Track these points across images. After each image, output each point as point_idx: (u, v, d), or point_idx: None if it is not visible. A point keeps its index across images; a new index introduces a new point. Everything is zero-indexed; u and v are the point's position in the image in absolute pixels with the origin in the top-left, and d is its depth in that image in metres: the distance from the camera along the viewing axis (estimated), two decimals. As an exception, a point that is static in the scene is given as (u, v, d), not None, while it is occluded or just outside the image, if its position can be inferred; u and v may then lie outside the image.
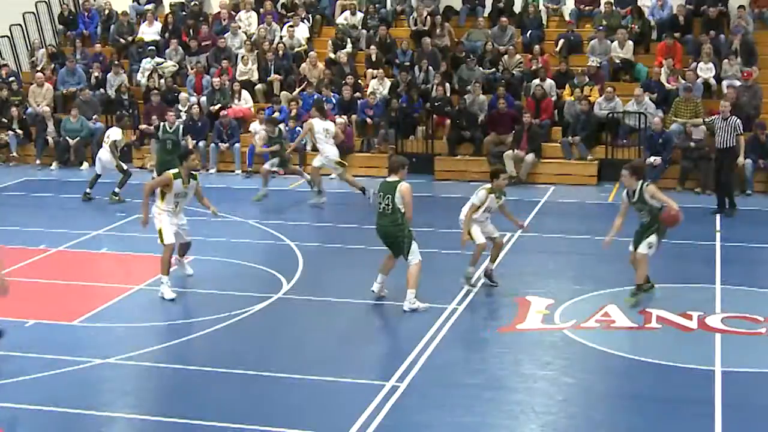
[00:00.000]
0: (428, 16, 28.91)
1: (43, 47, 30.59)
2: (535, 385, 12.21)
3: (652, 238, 14.98)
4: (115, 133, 22.36)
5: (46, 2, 31.89)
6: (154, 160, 23.51)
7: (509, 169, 24.27)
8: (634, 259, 15.34)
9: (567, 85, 26.21)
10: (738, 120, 21.03)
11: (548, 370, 12.69)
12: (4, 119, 27.77)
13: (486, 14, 29.41)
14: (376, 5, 29.91)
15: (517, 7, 29.46)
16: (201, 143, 25.78)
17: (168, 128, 22.99)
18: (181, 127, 23.53)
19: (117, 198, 22.02)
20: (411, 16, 29.40)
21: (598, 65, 26.70)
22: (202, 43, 29.38)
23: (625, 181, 15.17)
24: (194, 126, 26.18)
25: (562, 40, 28.09)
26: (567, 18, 29.37)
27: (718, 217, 20.82)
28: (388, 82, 27.03)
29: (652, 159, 23.34)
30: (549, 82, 26.18)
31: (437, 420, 11.18)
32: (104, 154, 22.22)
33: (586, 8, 29.21)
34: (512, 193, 23.24)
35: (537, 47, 27.45)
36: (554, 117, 25.86)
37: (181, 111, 26.73)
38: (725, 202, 21.11)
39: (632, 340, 13.84)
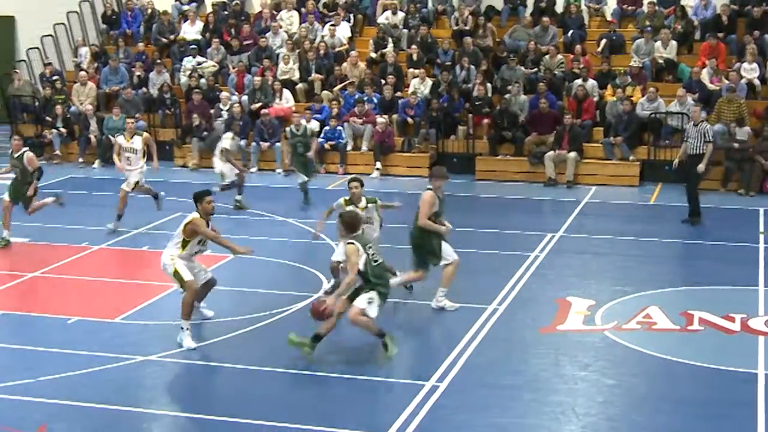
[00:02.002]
0: (470, 16, 28.86)
1: (86, 46, 30.79)
2: (576, 387, 12.17)
3: None
4: (225, 141, 21.70)
5: (89, 2, 32.11)
6: (287, 158, 23.06)
7: (549, 170, 24.21)
8: None
9: (609, 86, 26.07)
10: (708, 126, 20.63)
11: (589, 371, 12.65)
12: (48, 117, 27.98)
13: (528, 14, 29.31)
14: (418, 5, 29.88)
15: (559, 7, 29.33)
16: (242, 142, 25.86)
17: (296, 131, 22.31)
18: (308, 128, 22.75)
19: (239, 205, 21.32)
20: (452, 16, 29.35)
21: (641, 65, 26.55)
22: (244, 43, 29.47)
23: None
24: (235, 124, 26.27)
25: (604, 40, 27.94)
26: (609, 18, 29.22)
27: (762, 218, 20.66)
28: (429, 82, 27.00)
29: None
30: (591, 82, 26.06)
31: (476, 420, 11.17)
32: (217, 164, 21.60)
33: (629, 8, 29.04)
34: (553, 193, 23.33)
35: (579, 47, 27.33)
36: (596, 117, 25.73)
37: (222, 110, 26.85)
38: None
39: (674, 342, 13.74)
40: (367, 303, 12.81)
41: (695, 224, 20.05)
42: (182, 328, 13.37)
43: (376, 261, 12.93)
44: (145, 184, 20.39)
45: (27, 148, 19.24)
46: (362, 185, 15.18)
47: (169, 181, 23.78)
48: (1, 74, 29.90)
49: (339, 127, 25.79)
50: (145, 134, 20.79)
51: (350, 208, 14.68)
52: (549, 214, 22.17)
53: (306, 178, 21.85)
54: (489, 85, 26.70)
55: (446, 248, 14.84)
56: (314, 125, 25.56)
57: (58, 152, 27.58)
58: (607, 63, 26.91)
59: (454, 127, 26.04)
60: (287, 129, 22.74)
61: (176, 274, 13.45)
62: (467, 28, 28.62)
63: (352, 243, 12.70)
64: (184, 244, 13.51)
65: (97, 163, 26.98)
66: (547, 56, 27.28)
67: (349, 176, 15.53)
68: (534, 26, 28.49)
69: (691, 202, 20.24)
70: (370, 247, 12.93)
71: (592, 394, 12.00)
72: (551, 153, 24.52)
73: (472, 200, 22.99)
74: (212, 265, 16.75)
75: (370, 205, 15.10)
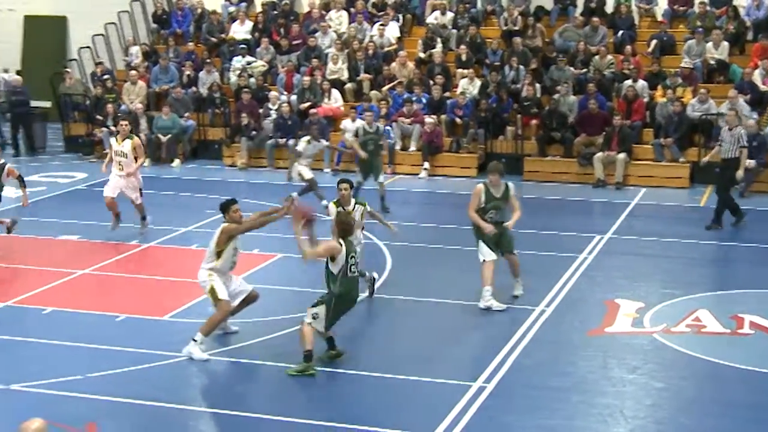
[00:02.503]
0: (519, 16, 28.78)
1: (137, 45, 31.01)
2: (624, 389, 12.10)
3: None
4: (301, 143, 21.48)
5: (140, 1, 32.35)
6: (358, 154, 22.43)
7: (598, 172, 24.08)
8: None
9: (659, 87, 25.89)
10: (743, 130, 20.36)
11: (637, 374, 12.57)
12: (98, 116, 28.20)
13: (578, 14, 29.17)
14: (467, 5, 29.83)
15: (609, 7, 29.15)
16: (291, 141, 25.93)
17: (368, 128, 21.80)
18: (381, 128, 22.37)
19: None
20: (501, 16, 29.27)
21: (692, 66, 26.34)
22: (293, 42, 29.56)
23: None
24: (284, 124, 26.38)
25: (654, 41, 27.75)
26: (660, 18, 29.01)
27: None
28: (477, 82, 26.94)
29: (747, 162, 22.95)
30: (641, 83, 25.89)
31: (524, 422, 11.14)
32: (294, 167, 21.44)
33: (680, 8, 28.82)
34: (603, 195, 23.19)
35: (629, 48, 27.15)
36: (646, 118, 25.56)
37: (271, 109, 26.95)
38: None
39: (723, 345, 13.62)
40: (312, 318, 12.54)
41: (737, 224, 19.90)
42: (195, 340, 13.07)
43: (352, 272, 12.65)
44: (138, 200, 19.42)
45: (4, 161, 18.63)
46: (352, 187, 15.23)
47: (220, 180, 23.89)
48: (53, 73, 30.17)
49: (387, 127, 25.79)
50: (136, 139, 19.73)
51: (338, 209, 14.35)
52: (598, 216, 22.07)
53: (361, 180, 21.07)
54: (538, 85, 26.60)
55: (481, 246, 14.94)
56: (360, 124, 25.59)
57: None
58: (657, 64, 26.73)
59: (502, 127, 25.97)
60: (358, 127, 22.42)
61: (212, 292, 13.22)
62: (516, 28, 28.53)
63: (339, 245, 12.58)
64: (219, 254, 13.29)
65: (146, 162, 27.07)
66: (596, 57, 27.14)
67: (348, 178, 15.13)
68: (584, 26, 28.34)
69: (722, 205, 20.02)
70: (352, 257, 12.61)
71: (641, 397, 11.93)
72: (600, 154, 24.38)
73: (521, 201, 22.86)
74: (258, 264, 16.83)
75: (358, 206, 14.99)
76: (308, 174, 21.19)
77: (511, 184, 15.26)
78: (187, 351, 13.04)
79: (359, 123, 24.38)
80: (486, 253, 14.92)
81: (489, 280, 14.89)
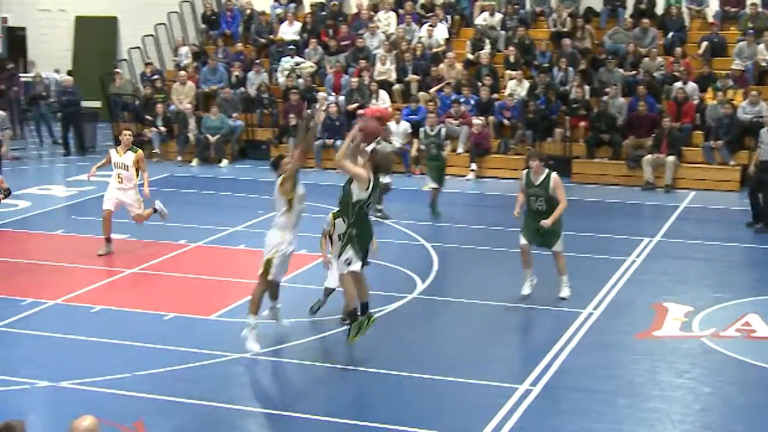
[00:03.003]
0: (568, 17, 28.66)
1: (186, 46, 31.18)
2: (672, 394, 12.00)
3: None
4: (369, 146, 21.16)
5: (190, 2, 32.53)
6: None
7: (647, 174, 23.92)
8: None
9: (709, 89, 25.69)
10: None
11: (685, 378, 12.46)
12: (148, 116, 28.38)
13: (627, 16, 28.99)
14: (516, 6, 29.75)
15: (660, 9, 28.98)
16: (338, 142, 25.96)
17: (429, 131, 21.54)
18: (443, 130, 21.85)
19: (381, 214, 20.53)
20: (550, 17, 29.17)
21: (743, 69, 26.10)
22: (341, 43, 29.61)
23: None
24: (332, 125, 26.42)
25: (705, 43, 27.53)
26: (710, 20, 28.78)
27: None
28: (526, 84, 26.86)
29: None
30: (691, 85, 25.70)
31: (570, 425, 11.07)
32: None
33: (731, 10, 28.58)
34: (652, 198, 23.04)
35: (679, 49, 26.97)
36: (696, 121, 25.37)
37: (319, 110, 27.00)
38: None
39: (774, 350, 13.51)
40: (347, 265, 12.61)
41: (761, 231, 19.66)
42: (249, 325, 13.09)
43: (367, 210, 12.70)
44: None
45: None
46: None
47: (267, 181, 23.92)
48: (104, 73, 30.41)
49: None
50: (140, 152, 18.39)
51: (338, 221, 13.81)
52: (647, 219, 21.93)
53: (435, 185, 20.82)
54: (587, 87, 26.47)
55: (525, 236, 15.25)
56: (406, 126, 25.59)
57: (157, 150, 27.96)
58: (708, 66, 26.53)
59: (550, 129, 25.87)
60: (420, 130, 22.26)
61: (268, 264, 13.15)
62: (565, 29, 28.42)
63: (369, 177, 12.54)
64: (290, 203, 13.05)
65: (195, 162, 27.29)
66: (646, 58, 26.97)
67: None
68: (634, 28, 28.18)
69: (756, 207, 19.83)
70: (371, 199, 12.66)
71: (689, 401, 11.82)
72: (649, 156, 24.23)
73: (568, 203, 22.72)
74: (308, 264, 16.86)
75: None
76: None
77: (553, 175, 15.14)
78: (243, 334, 13.15)
79: (404, 125, 24.40)
80: (520, 237, 15.12)
81: (522, 264, 15.17)
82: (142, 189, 18.18)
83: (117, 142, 28.78)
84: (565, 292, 15.34)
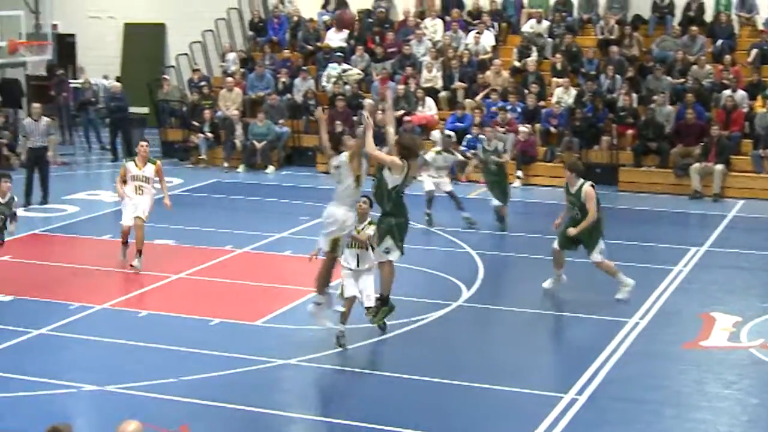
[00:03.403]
0: (616, 25, 28.51)
1: (233, 52, 31.32)
2: (719, 405, 11.90)
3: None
4: (429, 154, 20.70)
5: (237, 9, 32.68)
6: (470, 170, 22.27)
7: (695, 183, 23.73)
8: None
9: (759, 97, 25.46)
10: None
11: (733, 389, 12.35)
12: (195, 122, 28.52)
13: (676, 23, 28.80)
14: (563, 13, 29.64)
15: (709, 16, 28.76)
16: (385, 149, 25.93)
17: (487, 146, 20.79)
18: (500, 145, 21.12)
19: (469, 220, 20.45)
20: (598, 25, 29.03)
21: (793, 76, 25.88)
22: (388, 50, 29.63)
23: None
24: (377, 131, 26.39)
25: (755, 50, 27.27)
26: (760, 27, 28.51)
27: None
28: (573, 91, 26.76)
29: None
30: (740, 93, 25.48)
31: (616, 435, 11.01)
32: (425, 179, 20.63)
33: (782, 17, 28.33)
34: (699, 206, 22.85)
35: (728, 57, 26.76)
36: (745, 129, 25.15)
37: (366, 117, 26.97)
38: None
39: (823, 361, 13.36)
40: (386, 253, 12.94)
41: None
42: (316, 303, 13.42)
43: (401, 193, 12.90)
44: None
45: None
46: (371, 205, 13.86)
47: (313, 187, 24.01)
48: (151, 80, 30.61)
49: (481, 136, 25.66)
50: (158, 163, 18.03)
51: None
52: (694, 228, 21.77)
53: (500, 204, 20.22)
54: (634, 95, 26.32)
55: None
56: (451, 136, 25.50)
57: (204, 156, 28.09)
58: (757, 74, 26.29)
59: (597, 137, 25.74)
60: (479, 145, 21.71)
61: (335, 243, 13.10)
62: (613, 37, 28.27)
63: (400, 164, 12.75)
64: (357, 183, 13.12)
65: (241, 168, 27.38)
66: (695, 66, 26.77)
67: (367, 195, 14.55)
68: (682, 35, 27.99)
69: None
70: (404, 185, 12.87)
71: (736, 413, 11.71)
72: (697, 165, 24.04)
73: (615, 212, 22.62)
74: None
75: (371, 227, 13.65)
76: (429, 185, 20.49)
77: (586, 186, 15.22)
78: (310, 311, 13.54)
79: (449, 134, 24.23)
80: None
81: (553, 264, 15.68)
82: (162, 200, 17.74)
83: (166, 147, 29.16)
84: (621, 294, 15.50)
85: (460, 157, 22.03)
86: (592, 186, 15.36)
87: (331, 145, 13.56)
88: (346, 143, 13.41)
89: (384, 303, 13.27)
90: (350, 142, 13.35)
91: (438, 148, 21.24)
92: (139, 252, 17.20)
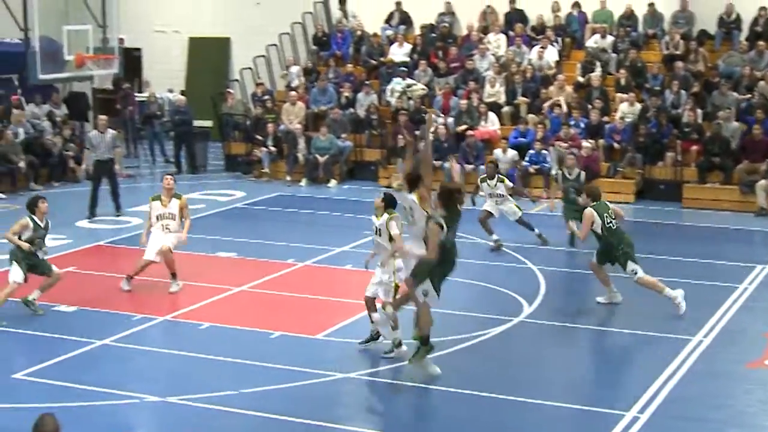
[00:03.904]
0: (681, 40, 28.28)
1: (297, 67, 31.48)
2: (785, 425, 11.74)
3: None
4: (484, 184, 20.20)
5: (301, 24, 32.85)
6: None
7: (761, 200, 23.43)
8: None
9: (828, 113, 25.12)
10: None
11: (799, 409, 12.19)
12: (258, 136, 28.68)
13: (742, 38, 28.50)
14: (628, 29, 29.44)
15: (776, 31, 28.45)
16: (446, 164, 25.96)
17: (568, 174, 20.29)
18: (582, 173, 20.53)
19: (541, 238, 20.15)
20: (663, 40, 28.82)
21: None
22: (451, 65, 29.63)
23: None
24: (440, 146, 26.42)
25: (823, 66, 26.95)
26: (829, 43, 28.15)
27: None
28: (637, 107, 26.56)
29: None
30: (809, 109, 25.15)
31: (679, 455, 10.89)
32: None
33: None
34: (765, 224, 22.57)
35: (796, 72, 26.45)
36: (812, 146, 24.81)
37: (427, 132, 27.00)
38: None
39: None
40: (424, 296, 12.70)
41: None
42: (383, 315, 13.28)
43: (452, 239, 12.81)
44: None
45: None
46: (387, 200, 13.97)
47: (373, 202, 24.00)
48: (215, 93, 30.85)
49: (544, 151, 25.60)
50: (183, 198, 17.30)
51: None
52: (759, 245, 21.51)
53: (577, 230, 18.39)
54: (699, 110, 26.07)
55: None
56: (513, 154, 25.40)
57: (267, 170, 28.23)
58: (826, 89, 25.95)
59: (661, 153, 25.53)
60: (558, 173, 21.11)
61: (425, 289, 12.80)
62: (678, 52, 28.04)
63: (440, 226, 12.48)
64: (427, 222, 12.78)
65: (303, 182, 27.48)
66: (762, 82, 26.47)
67: (389, 192, 14.46)
68: (749, 51, 27.69)
69: None
70: (450, 233, 12.71)
71: (802, 433, 11.55)
72: (764, 182, 23.74)
73: (679, 228, 22.49)
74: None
75: (393, 221, 13.73)
76: (488, 207, 20.03)
77: (586, 211, 16.10)
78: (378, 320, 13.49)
79: (511, 153, 23.89)
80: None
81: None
82: (181, 235, 17.10)
83: (229, 160, 29.33)
84: (603, 298, 16.23)
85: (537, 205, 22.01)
86: (589, 209, 16.05)
87: (410, 185, 13.33)
88: (426, 183, 13.25)
89: (423, 343, 12.91)
90: (424, 189, 13.23)
91: (493, 181, 20.21)
92: (174, 275, 16.95)
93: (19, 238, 15.43)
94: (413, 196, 13.15)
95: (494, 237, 19.85)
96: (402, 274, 13.41)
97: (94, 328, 14.97)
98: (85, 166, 25.39)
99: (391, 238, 13.54)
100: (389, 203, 13.84)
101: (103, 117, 24.01)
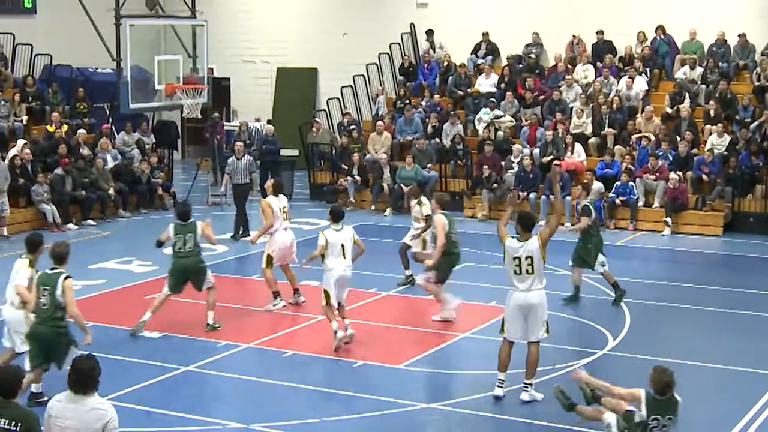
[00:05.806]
0: (773, 71, 27.91)
1: (383, 96, 31.62)
2: None
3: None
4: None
5: (388, 54, 33.00)
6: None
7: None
8: None
9: None
10: None
11: None
12: (344, 165, 28.83)
13: (835, 69, 28.03)
14: (718, 60, 29.10)
15: None
16: (532, 195, 25.85)
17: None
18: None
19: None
20: (754, 71, 28.44)
21: None
22: (537, 96, 29.54)
23: None
24: (526, 177, 26.32)
25: None
26: None
27: None
28: (726, 138, 26.23)
29: None
30: None
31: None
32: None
33: None
34: None
35: None
36: None
37: (513, 162, 26.97)
38: None
39: None
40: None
41: None
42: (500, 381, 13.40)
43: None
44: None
45: None
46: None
47: (460, 232, 23.96)
48: (302, 123, 31.09)
49: (630, 183, 25.38)
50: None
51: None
52: None
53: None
54: (791, 142, 25.68)
55: None
56: (599, 186, 24.96)
57: (352, 199, 28.34)
58: None
59: (752, 185, 25.18)
60: (585, 202, 18.92)
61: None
62: (770, 83, 27.68)
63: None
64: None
65: (388, 211, 27.53)
66: None
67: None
68: (842, 82, 27.23)
69: None
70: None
71: None
72: None
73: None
74: (494, 318, 16.76)
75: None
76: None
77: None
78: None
79: (597, 185, 23.33)
80: None
81: None
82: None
83: (314, 189, 29.49)
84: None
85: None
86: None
87: (524, 227, 13.32)
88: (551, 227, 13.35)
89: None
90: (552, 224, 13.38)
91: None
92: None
93: None
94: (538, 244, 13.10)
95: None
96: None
97: (178, 354, 15.13)
98: (223, 190, 26.82)
99: None
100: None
101: (239, 143, 24.75)
